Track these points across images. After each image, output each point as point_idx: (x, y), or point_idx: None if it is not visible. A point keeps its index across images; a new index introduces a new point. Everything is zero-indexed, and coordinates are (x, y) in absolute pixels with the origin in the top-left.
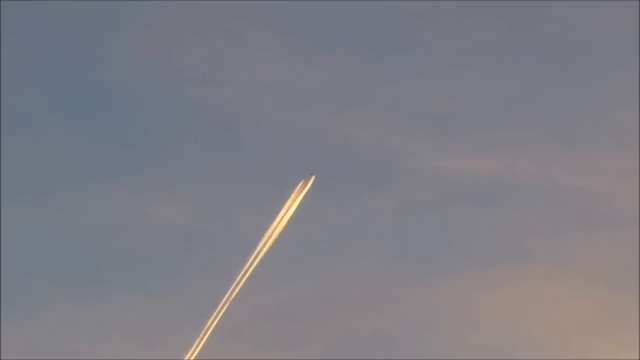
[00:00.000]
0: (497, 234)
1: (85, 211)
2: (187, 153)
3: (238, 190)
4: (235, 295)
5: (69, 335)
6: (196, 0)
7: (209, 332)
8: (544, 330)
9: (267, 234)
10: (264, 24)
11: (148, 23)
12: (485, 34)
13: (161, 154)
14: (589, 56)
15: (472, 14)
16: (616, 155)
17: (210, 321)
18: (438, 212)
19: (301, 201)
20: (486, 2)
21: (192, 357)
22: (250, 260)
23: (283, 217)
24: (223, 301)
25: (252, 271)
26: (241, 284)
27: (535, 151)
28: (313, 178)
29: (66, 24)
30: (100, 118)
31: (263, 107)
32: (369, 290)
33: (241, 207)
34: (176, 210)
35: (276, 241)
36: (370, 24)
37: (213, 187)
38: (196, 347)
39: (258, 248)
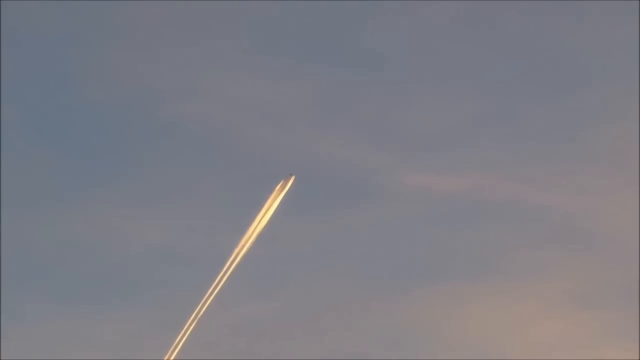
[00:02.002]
0: (472, 251)
1: (62, 228)
2: (165, 171)
3: (216, 207)
4: (207, 310)
5: (45, 350)
6: (173, 17)
7: (179, 347)
8: (518, 347)
9: (244, 238)
10: (242, 41)
11: (125, 40)
12: (462, 51)
13: (139, 172)
14: (565, 75)
15: (448, 32)
16: (592, 174)
17: (180, 335)
18: (413, 228)
19: (280, 203)
20: (463, 19)
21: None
22: (224, 269)
23: (261, 219)
24: (194, 315)
25: (225, 284)
26: (212, 298)
27: (511, 169)
28: (293, 179)
29: (43, 40)
30: (78, 135)
31: (241, 125)
32: (342, 307)
33: (219, 224)
34: (154, 228)
35: (252, 248)
36: (347, 42)
37: (191, 204)
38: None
39: (234, 253)
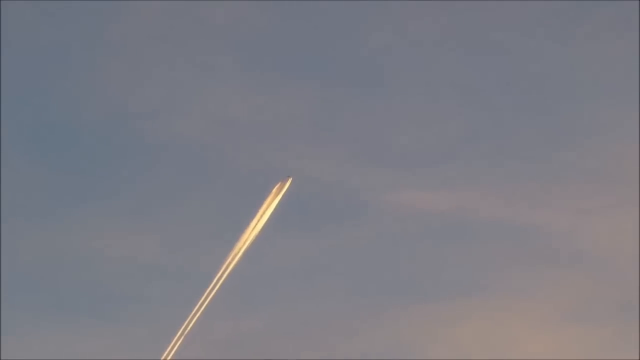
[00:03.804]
0: (461, 268)
1: (51, 243)
2: (151, 187)
3: (202, 224)
4: (195, 325)
5: None
6: (162, 34)
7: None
8: None
9: (239, 243)
10: (233, 58)
11: (114, 57)
12: (450, 68)
13: (126, 188)
14: (556, 92)
15: (436, 51)
16: (584, 193)
17: (167, 351)
18: (401, 246)
19: (276, 206)
20: (451, 36)
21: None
22: (214, 283)
23: (258, 221)
24: (181, 331)
25: (213, 299)
26: (200, 312)
27: (498, 187)
28: (290, 180)
29: (32, 56)
30: (64, 151)
31: (228, 142)
32: (330, 324)
33: (205, 241)
34: (141, 244)
35: (241, 261)
36: (336, 59)
37: (178, 221)
38: None
39: (225, 264)
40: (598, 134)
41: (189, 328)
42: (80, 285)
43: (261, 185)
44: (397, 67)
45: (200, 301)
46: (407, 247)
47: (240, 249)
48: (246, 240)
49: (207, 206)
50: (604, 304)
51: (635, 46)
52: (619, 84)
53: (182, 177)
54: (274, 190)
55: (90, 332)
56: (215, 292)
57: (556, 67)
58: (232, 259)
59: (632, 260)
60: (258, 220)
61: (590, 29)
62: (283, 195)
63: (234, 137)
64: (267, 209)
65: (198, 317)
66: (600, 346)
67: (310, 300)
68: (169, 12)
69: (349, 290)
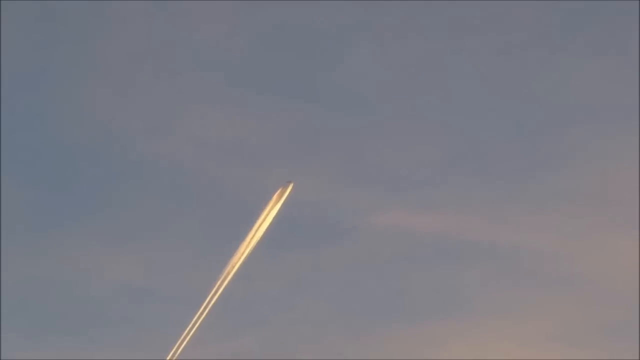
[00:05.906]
0: (446, 290)
1: (36, 265)
2: (137, 209)
3: (187, 246)
4: (184, 347)
5: None
6: (145, 54)
7: None
8: None
9: (238, 252)
10: (214, 79)
11: (97, 77)
12: (437, 89)
13: (113, 210)
14: (541, 113)
15: (422, 69)
16: (569, 214)
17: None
18: (386, 267)
19: (277, 212)
20: (436, 56)
21: None
22: (204, 304)
23: (259, 227)
24: (173, 351)
25: (202, 321)
26: (190, 335)
27: (484, 209)
28: (292, 186)
29: (13, 76)
30: (50, 173)
31: (212, 163)
32: (315, 345)
33: (190, 264)
34: (128, 266)
35: (230, 284)
36: (320, 81)
37: (163, 243)
38: None
39: (225, 272)
40: (583, 155)
41: (182, 346)
42: (65, 307)
43: (246, 206)
44: (382, 89)
45: (192, 322)
46: (394, 268)
47: (237, 261)
48: (244, 252)
49: (192, 228)
50: (589, 326)
51: (620, 67)
52: (603, 104)
53: (168, 198)
54: (275, 196)
55: (75, 354)
56: (207, 313)
57: (540, 88)
58: (228, 274)
59: (618, 282)
60: (257, 229)
61: (573, 51)
62: (284, 202)
63: (218, 158)
64: (267, 215)
65: (188, 340)
66: None
67: (298, 323)
68: (154, 31)
69: (337, 312)
